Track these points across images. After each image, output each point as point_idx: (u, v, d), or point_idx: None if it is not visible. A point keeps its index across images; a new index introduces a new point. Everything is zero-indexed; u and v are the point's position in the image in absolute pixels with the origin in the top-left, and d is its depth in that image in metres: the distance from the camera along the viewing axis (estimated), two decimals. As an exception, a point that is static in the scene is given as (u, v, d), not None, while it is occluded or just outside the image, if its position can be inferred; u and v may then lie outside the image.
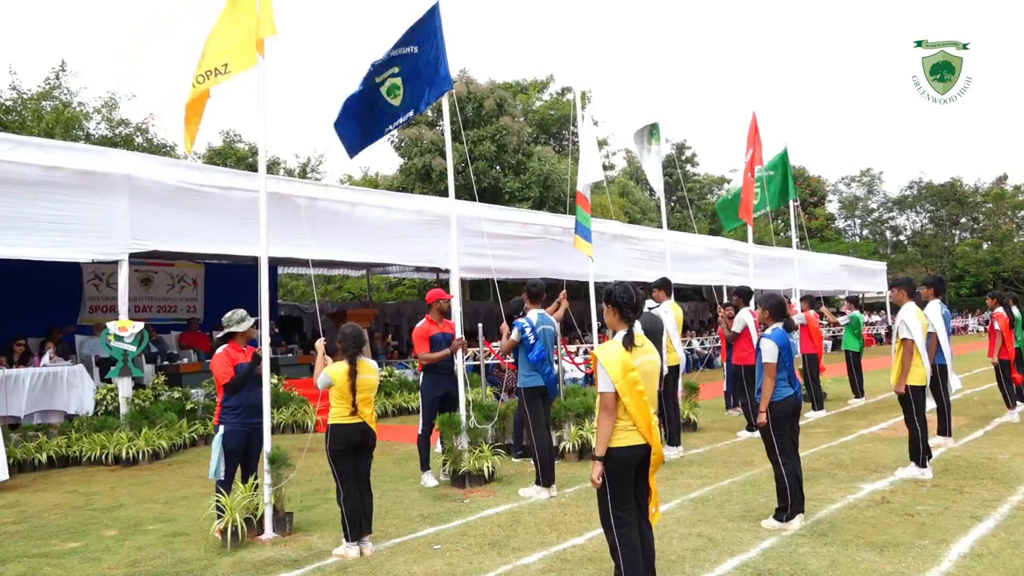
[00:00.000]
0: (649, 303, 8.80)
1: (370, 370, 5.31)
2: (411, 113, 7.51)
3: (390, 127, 7.65)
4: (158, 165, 10.45)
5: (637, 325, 4.03)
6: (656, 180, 12.58)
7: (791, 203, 16.32)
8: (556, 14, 75.15)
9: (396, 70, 7.42)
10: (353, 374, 5.17)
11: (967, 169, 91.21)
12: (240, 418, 5.60)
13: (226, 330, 5.78)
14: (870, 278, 30.07)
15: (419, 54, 7.32)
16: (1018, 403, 9.99)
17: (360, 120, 7.66)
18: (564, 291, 8.17)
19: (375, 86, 7.51)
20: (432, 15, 7.32)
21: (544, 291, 7.26)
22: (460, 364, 7.47)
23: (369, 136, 7.73)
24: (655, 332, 7.69)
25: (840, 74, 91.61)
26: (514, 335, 6.92)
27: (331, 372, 5.21)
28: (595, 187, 13.10)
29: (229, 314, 5.83)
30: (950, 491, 6.22)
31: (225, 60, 5.90)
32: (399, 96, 7.46)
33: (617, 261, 15.98)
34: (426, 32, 7.30)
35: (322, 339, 5.49)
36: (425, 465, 7.34)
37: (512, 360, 7.47)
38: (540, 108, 32.37)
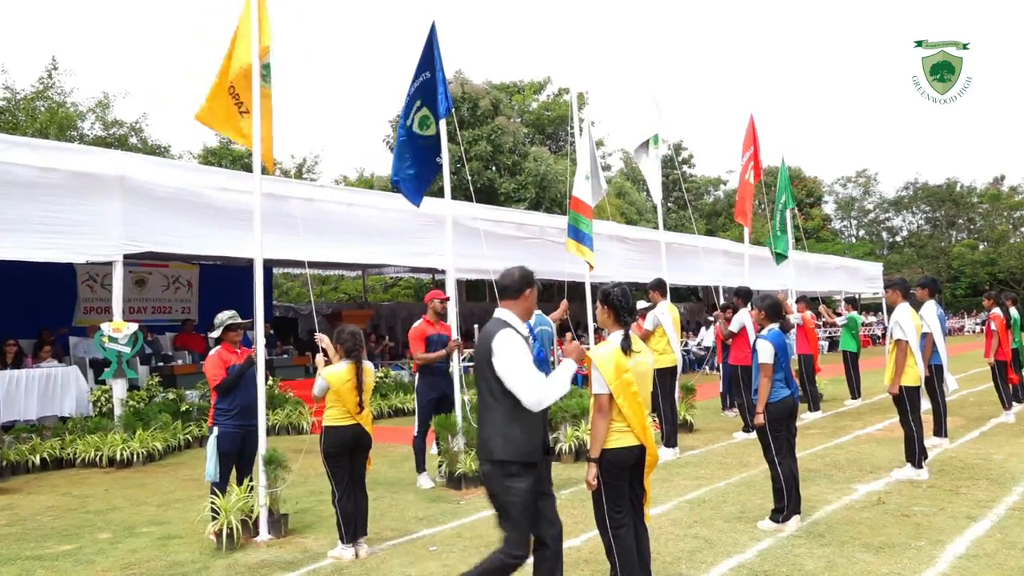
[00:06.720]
0: (644, 304, 8.78)
1: (368, 372, 5.31)
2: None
3: (437, 157, 7.58)
4: (152, 166, 10.42)
5: (633, 329, 4.02)
6: (654, 181, 12.53)
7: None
8: (553, 14, 75.20)
9: (419, 103, 7.41)
10: (359, 372, 5.17)
11: (963, 170, 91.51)
12: (234, 420, 5.59)
13: (217, 331, 5.80)
14: (866, 279, 30.12)
15: (431, 78, 7.34)
16: (1014, 404, 10.01)
17: (412, 165, 7.58)
18: (566, 300, 8.23)
19: (409, 129, 7.45)
20: (432, 35, 7.35)
21: (541, 290, 7.23)
22: (456, 365, 7.46)
23: (423, 178, 7.68)
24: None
25: (837, 75, 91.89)
26: None
27: (328, 375, 5.18)
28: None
29: (218, 315, 5.84)
30: (946, 492, 6.22)
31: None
32: (431, 127, 7.48)
33: (613, 261, 15.94)
34: (429, 55, 7.33)
35: (321, 357, 5.47)
36: (421, 467, 7.32)
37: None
38: (536, 108, 32.35)
